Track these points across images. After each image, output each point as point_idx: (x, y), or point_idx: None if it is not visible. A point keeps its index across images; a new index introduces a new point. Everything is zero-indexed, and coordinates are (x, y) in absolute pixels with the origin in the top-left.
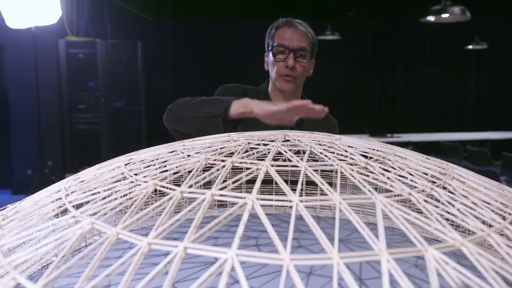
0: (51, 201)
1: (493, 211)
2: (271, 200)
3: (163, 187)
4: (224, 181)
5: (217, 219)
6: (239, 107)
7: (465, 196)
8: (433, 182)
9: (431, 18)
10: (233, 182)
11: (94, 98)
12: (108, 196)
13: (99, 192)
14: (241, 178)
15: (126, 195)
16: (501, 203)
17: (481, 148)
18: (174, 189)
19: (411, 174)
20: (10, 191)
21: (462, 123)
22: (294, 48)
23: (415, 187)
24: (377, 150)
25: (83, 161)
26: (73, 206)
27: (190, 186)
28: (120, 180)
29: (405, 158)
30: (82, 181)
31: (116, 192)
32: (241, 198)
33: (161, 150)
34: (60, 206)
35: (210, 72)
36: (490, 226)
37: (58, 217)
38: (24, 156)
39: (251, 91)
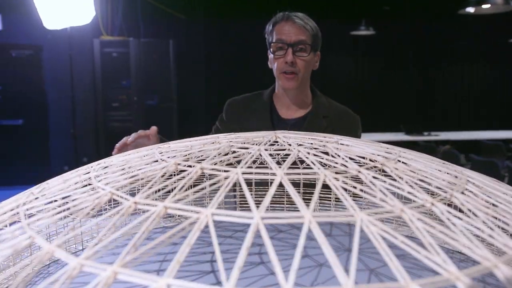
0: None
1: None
2: (230, 216)
3: (120, 196)
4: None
5: (162, 237)
6: None
7: (474, 214)
8: (435, 196)
9: (471, 10)
10: (194, 193)
11: (127, 96)
12: (62, 205)
13: (55, 201)
14: (204, 187)
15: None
16: None
17: None
18: (127, 199)
19: (410, 186)
20: None
21: (506, 121)
22: (293, 43)
23: (412, 201)
24: (378, 155)
25: None
26: (25, 216)
27: (148, 196)
28: (83, 187)
29: (409, 165)
30: (43, 188)
31: (72, 200)
32: (195, 212)
33: (141, 153)
34: (14, 215)
35: (242, 71)
36: (500, 255)
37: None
38: (61, 152)
39: (253, 98)
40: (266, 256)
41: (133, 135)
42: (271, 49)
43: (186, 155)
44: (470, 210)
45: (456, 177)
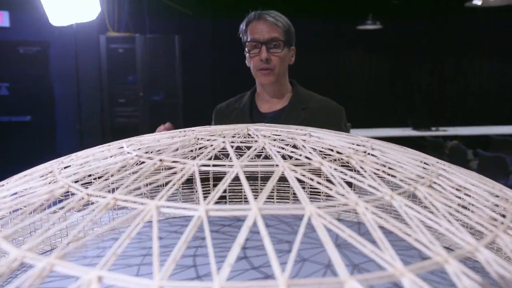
0: None
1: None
2: (175, 208)
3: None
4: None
5: (102, 229)
6: None
7: (433, 205)
8: (398, 188)
9: (478, 2)
10: (146, 185)
11: (134, 92)
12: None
13: (16, 193)
14: (158, 180)
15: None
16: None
17: None
18: (81, 191)
19: (372, 178)
20: None
21: None
22: (266, 40)
23: (372, 194)
24: (349, 148)
25: None
26: None
27: (102, 189)
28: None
29: (379, 158)
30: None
31: (31, 193)
32: (141, 204)
33: (111, 146)
34: None
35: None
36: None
37: None
38: (68, 148)
39: (236, 100)
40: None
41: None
42: (246, 48)
43: (151, 148)
44: (432, 204)
45: (427, 170)
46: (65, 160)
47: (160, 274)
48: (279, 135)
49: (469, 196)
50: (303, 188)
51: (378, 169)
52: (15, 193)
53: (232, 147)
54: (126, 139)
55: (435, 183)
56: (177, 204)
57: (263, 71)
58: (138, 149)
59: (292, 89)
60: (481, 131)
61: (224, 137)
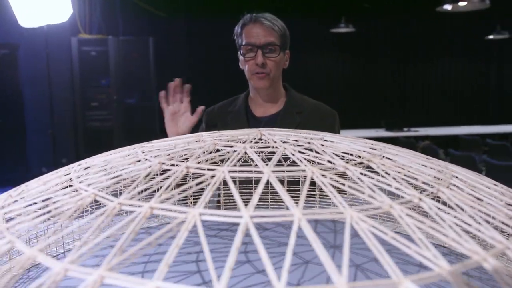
0: None
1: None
2: (218, 215)
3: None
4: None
5: (148, 239)
6: None
7: (462, 209)
8: (423, 191)
9: (448, 7)
10: (180, 192)
11: (107, 95)
12: (42, 208)
13: (35, 203)
14: (190, 187)
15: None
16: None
17: (502, 142)
18: (111, 200)
19: (397, 181)
20: None
21: (482, 116)
22: (262, 44)
23: (400, 197)
24: (364, 151)
25: None
26: (3, 220)
27: (133, 197)
28: (64, 188)
29: (395, 161)
30: (22, 191)
31: (53, 202)
32: (182, 213)
33: (123, 153)
34: None
35: (224, 69)
36: (491, 247)
37: None
38: (39, 153)
39: (229, 103)
40: (252, 255)
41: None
42: (241, 52)
43: (169, 154)
44: (457, 205)
45: (440, 172)
46: (77, 167)
47: (221, 280)
48: (296, 140)
49: (484, 196)
50: (313, 192)
51: (399, 172)
52: (35, 203)
53: (254, 153)
54: (136, 145)
55: (452, 184)
56: (220, 211)
57: (258, 75)
58: (156, 156)
59: (285, 93)
60: (450, 131)
61: (243, 142)
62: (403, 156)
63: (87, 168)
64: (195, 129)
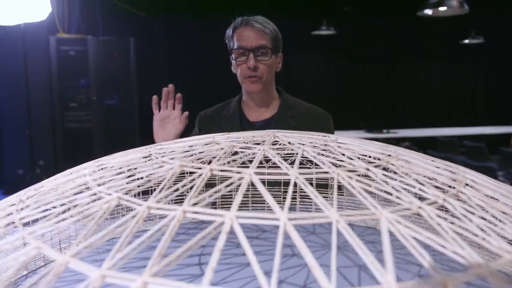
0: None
1: None
2: (254, 218)
3: (128, 201)
4: (202, 192)
5: (189, 243)
6: None
7: (483, 208)
8: (444, 191)
9: (429, 12)
10: (210, 195)
11: (86, 96)
12: (64, 212)
13: (54, 207)
14: (219, 190)
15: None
16: None
17: (478, 143)
18: (139, 204)
19: (419, 182)
20: (1, 190)
21: (458, 118)
22: (253, 48)
23: (424, 198)
24: (379, 153)
25: (76, 160)
26: (21, 224)
27: (159, 200)
28: (81, 192)
29: (410, 162)
30: (39, 192)
31: (74, 206)
32: (218, 216)
33: (135, 155)
34: (9, 224)
35: (205, 69)
36: None
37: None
38: (15, 155)
39: (222, 107)
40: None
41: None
42: (233, 56)
43: (186, 156)
44: (477, 204)
45: (454, 172)
46: (95, 168)
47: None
48: (311, 142)
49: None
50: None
51: (417, 173)
52: (54, 207)
53: (276, 155)
54: (145, 147)
55: (467, 185)
56: (256, 214)
57: (250, 79)
58: (172, 158)
59: (279, 97)
60: (428, 132)
61: (260, 144)
62: (415, 158)
63: (101, 170)
64: (184, 134)
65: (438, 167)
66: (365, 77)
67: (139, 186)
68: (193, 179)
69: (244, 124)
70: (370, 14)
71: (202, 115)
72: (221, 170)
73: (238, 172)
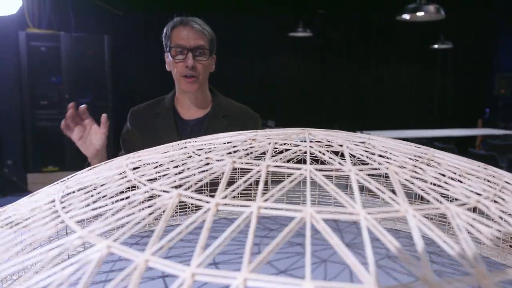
0: (43, 216)
1: None
2: (331, 212)
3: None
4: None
5: (276, 240)
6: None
7: None
8: (490, 186)
9: (407, 16)
10: (278, 191)
11: (58, 94)
12: (119, 211)
13: (105, 205)
14: (285, 185)
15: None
16: None
17: (449, 145)
18: (207, 201)
19: (465, 178)
20: None
21: (429, 120)
22: (192, 47)
23: (476, 193)
24: (416, 151)
25: (46, 160)
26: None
27: (224, 197)
28: (130, 189)
29: (445, 159)
30: (79, 190)
31: (129, 204)
32: (297, 211)
33: (169, 152)
34: (58, 224)
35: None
36: None
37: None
38: None
39: (155, 103)
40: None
41: (83, 107)
42: (171, 53)
43: (231, 153)
44: None
45: (484, 168)
46: (130, 165)
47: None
48: (349, 140)
49: None
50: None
51: (455, 173)
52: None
53: (326, 152)
54: (175, 143)
55: (505, 184)
56: (331, 208)
57: (187, 79)
58: (217, 154)
59: (212, 97)
60: (400, 134)
61: (304, 141)
62: (444, 153)
63: (137, 167)
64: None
65: (468, 163)
66: (340, 79)
67: (197, 182)
68: (251, 176)
69: (178, 122)
70: (345, 17)
71: (134, 111)
72: (278, 166)
73: (298, 169)
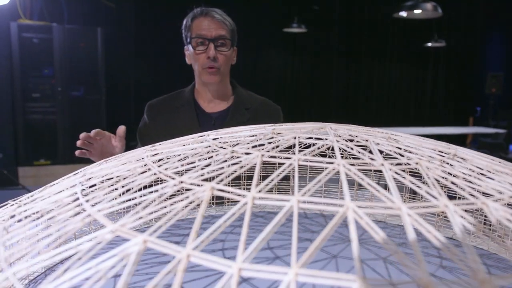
0: (66, 210)
1: None
2: (372, 207)
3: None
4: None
5: (323, 233)
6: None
7: None
8: None
9: (404, 14)
10: (314, 185)
11: (50, 86)
12: (150, 204)
13: (134, 198)
14: (320, 179)
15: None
16: None
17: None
18: (243, 195)
19: (493, 173)
20: None
21: (420, 118)
22: (214, 38)
23: (508, 188)
24: (439, 147)
25: (38, 153)
26: (104, 215)
27: (260, 190)
28: (156, 182)
29: (468, 154)
30: (102, 182)
31: (160, 197)
32: (339, 206)
33: (192, 145)
34: (85, 217)
35: (174, 60)
36: None
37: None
38: None
39: (174, 96)
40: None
41: (94, 131)
42: (192, 45)
43: (256, 146)
44: None
45: (503, 164)
46: (151, 157)
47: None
48: (371, 135)
49: None
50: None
51: (482, 168)
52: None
53: (353, 147)
54: (195, 135)
55: None
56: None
57: (209, 70)
58: (243, 148)
59: (232, 89)
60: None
61: (327, 135)
62: (464, 149)
63: (160, 159)
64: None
65: (487, 158)
66: (333, 76)
67: (228, 176)
68: (283, 170)
69: (200, 115)
70: (339, 14)
71: (153, 104)
72: (308, 161)
73: (330, 163)
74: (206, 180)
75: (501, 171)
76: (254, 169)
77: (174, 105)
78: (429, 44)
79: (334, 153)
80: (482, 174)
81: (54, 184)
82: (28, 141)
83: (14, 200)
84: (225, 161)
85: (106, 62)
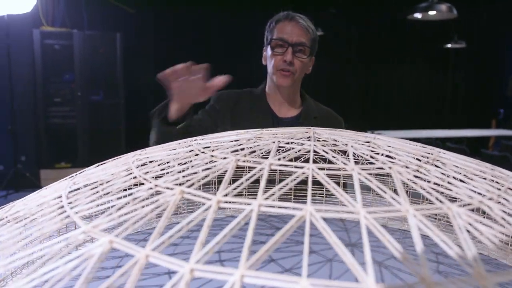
0: (50, 211)
1: None
2: (335, 211)
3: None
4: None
5: (275, 238)
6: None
7: None
8: (494, 186)
9: (418, 15)
10: (280, 189)
11: (70, 91)
12: (123, 207)
13: (110, 201)
14: (288, 184)
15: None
16: None
17: (460, 145)
18: (208, 198)
19: (470, 178)
20: None
21: (440, 120)
22: (294, 43)
23: (479, 193)
24: (421, 151)
25: (59, 156)
26: (81, 218)
27: (226, 194)
28: (135, 185)
29: (450, 159)
30: (85, 186)
31: (133, 200)
32: (298, 209)
33: (175, 150)
34: (64, 218)
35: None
36: None
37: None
38: None
39: (245, 95)
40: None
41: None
42: (271, 46)
43: (236, 151)
44: None
45: (491, 169)
46: (136, 162)
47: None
48: (354, 139)
49: None
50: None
51: (459, 173)
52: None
53: (330, 151)
54: (181, 141)
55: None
56: (332, 207)
57: (283, 73)
58: (222, 153)
59: (302, 97)
60: (411, 134)
61: (308, 140)
62: (450, 154)
63: (144, 164)
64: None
65: (474, 164)
66: (350, 78)
67: (199, 180)
68: (254, 174)
69: (273, 119)
70: (356, 16)
71: (224, 95)
72: (281, 165)
73: (300, 167)
74: (180, 184)
75: (482, 176)
76: (241, 174)
77: (244, 103)
78: (449, 46)
79: (307, 158)
80: (460, 180)
81: (47, 188)
82: (49, 144)
83: (13, 202)
84: (202, 165)
85: (125, 67)
